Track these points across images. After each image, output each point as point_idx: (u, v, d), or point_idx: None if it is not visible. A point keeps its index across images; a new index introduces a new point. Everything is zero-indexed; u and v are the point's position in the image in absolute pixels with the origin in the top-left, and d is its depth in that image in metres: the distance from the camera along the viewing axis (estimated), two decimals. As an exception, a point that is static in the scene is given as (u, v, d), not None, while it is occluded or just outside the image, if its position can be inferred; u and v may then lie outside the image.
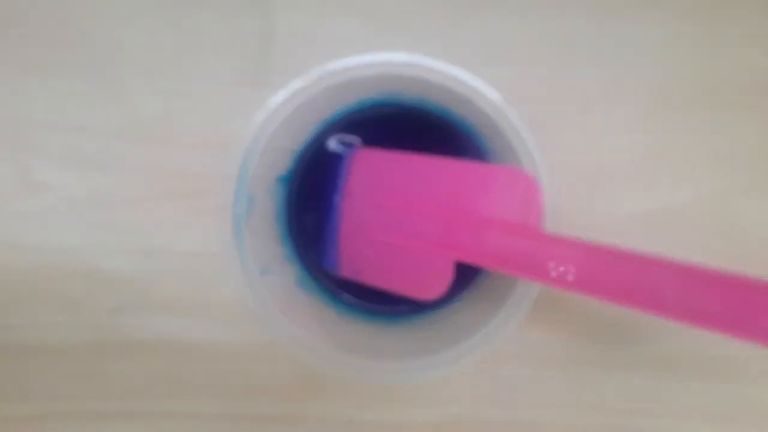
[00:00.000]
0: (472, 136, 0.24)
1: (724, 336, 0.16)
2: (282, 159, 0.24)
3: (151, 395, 0.26)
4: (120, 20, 0.26)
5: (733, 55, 0.26)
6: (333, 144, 0.25)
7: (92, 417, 0.26)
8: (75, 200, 0.26)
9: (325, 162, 0.25)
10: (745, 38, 0.26)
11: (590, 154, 0.26)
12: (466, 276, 0.24)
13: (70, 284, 0.26)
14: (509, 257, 0.20)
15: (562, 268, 0.19)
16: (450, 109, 0.23)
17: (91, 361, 0.26)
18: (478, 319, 0.22)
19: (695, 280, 0.17)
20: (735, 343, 0.24)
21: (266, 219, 0.24)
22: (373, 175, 0.24)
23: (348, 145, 0.25)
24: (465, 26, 0.26)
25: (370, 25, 0.26)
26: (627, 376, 0.26)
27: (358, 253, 0.24)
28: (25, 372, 0.26)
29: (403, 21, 0.26)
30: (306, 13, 0.26)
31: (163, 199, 0.26)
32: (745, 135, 0.26)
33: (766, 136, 0.26)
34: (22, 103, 0.26)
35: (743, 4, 0.26)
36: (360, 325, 0.25)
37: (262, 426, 0.26)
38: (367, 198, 0.24)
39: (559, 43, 0.26)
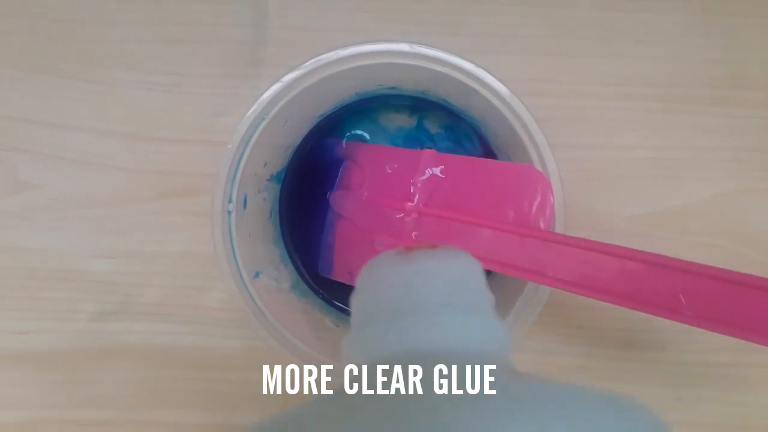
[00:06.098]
0: (474, 130, 0.23)
1: (739, 339, 0.16)
2: (276, 156, 0.23)
3: (137, 404, 0.25)
4: (108, 14, 0.26)
5: (751, 49, 0.25)
6: (329, 140, 0.24)
7: (76, 425, 0.25)
8: (61, 200, 0.25)
9: (321, 159, 0.24)
10: (765, 32, 0.25)
11: (600, 151, 0.25)
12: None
13: (54, 287, 0.25)
14: (514, 259, 0.19)
15: (569, 270, 0.18)
16: (452, 103, 0.23)
17: (75, 367, 0.25)
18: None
19: (709, 283, 0.16)
20: (749, 351, 0.23)
21: (259, 219, 0.23)
22: (372, 173, 0.23)
23: (345, 141, 0.24)
24: (468, 14, 0.26)
25: (368, 14, 0.26)
26: (637, 386, 0.25)
27: (354, 256, 0.23)
28: (7, 379, 0.25)
29: (402, 9, 0.26)
30: (301, 2, 0.25)
31: (151, 198, 0.25)
32: (762, 134, 0.25)
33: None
34: (8, 100, 0.26)
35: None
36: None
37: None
38: (365, 197, 0.23)
39: (568, 33, 0.25)
